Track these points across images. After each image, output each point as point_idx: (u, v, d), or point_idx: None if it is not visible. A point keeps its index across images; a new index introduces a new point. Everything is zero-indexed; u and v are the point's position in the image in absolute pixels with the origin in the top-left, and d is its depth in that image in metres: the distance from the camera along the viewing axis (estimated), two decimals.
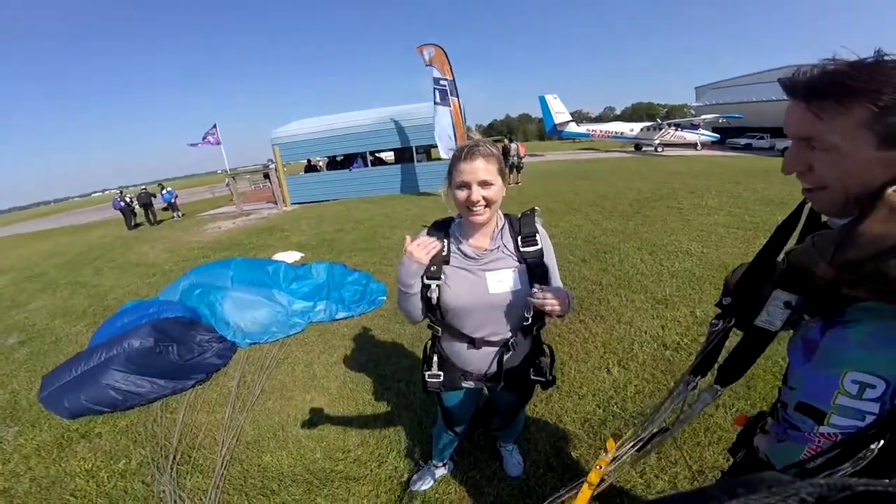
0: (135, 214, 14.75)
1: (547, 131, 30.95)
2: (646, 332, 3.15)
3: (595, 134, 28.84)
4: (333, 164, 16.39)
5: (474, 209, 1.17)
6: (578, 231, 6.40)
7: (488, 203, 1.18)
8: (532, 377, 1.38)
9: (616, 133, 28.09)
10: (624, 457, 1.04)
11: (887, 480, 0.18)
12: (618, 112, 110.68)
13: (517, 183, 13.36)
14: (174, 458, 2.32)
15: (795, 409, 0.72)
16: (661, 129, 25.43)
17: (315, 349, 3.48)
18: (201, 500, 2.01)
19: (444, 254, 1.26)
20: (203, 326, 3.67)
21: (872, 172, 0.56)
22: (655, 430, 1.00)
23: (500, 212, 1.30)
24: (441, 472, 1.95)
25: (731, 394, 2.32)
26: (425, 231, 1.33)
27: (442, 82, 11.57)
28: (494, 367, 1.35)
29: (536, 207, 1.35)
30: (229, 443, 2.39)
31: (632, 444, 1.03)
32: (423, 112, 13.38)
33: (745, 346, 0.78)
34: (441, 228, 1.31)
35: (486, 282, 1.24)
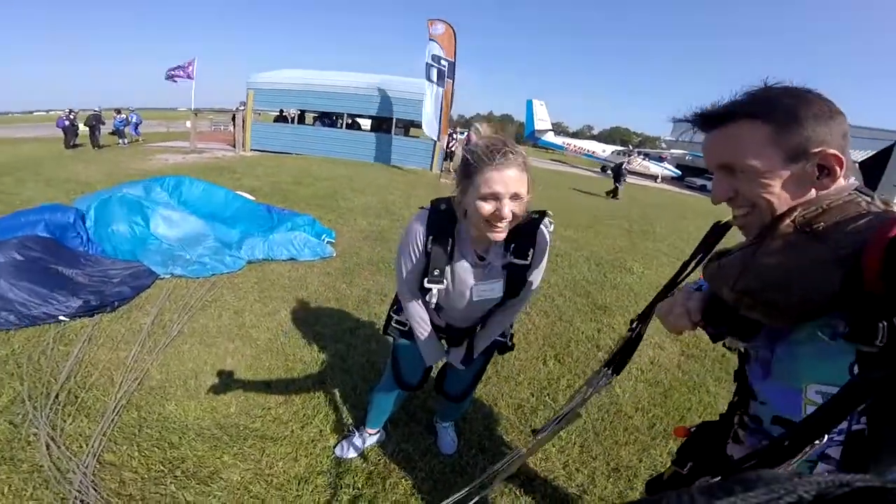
0: (76, 135, 13.61)
1: (525, 135, 31.25)
2: (583, 333, 3.27)
3: (569, 148, 29.66)
4: (303, 119, 15.58)
5: (499, 225, 1.01)
6: None
7: (514, 218, 1.02)
8: (497, 337, 1.43)
9: (588, 151, 29.01)
10: (546, 432, 1.12)
11: (888, 477, 0.18)
12: (595, 132, 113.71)
13: None
14: (56, 396, 2.00)
15: (772, 422, 0.72)
16: (629, 156, 26.61)
17: (249, 297, 3.22)
18: (80, 446, 1.74)
19: (448, 251, 1.14)
20: (106, 259, 3.34)
21: (788, 188, 0.62)
22: (568, 411, 1.08)
23: None
24: (372, 440, 1.86)
25: (649, 400, 2.47)
26: (425, 222, 1.15)
27: (442, 62, 11.36)
28: (463, 334, 1.42)
29: (549, 212, 1.18)
30: (128, 386, 2.11)
31: (553, 422, 1.11)
32: (412, 87, 13.03)
33: (628, 344, 0.97)
34: (445, 227, 1.14)
35: (474, 290, 1.21)
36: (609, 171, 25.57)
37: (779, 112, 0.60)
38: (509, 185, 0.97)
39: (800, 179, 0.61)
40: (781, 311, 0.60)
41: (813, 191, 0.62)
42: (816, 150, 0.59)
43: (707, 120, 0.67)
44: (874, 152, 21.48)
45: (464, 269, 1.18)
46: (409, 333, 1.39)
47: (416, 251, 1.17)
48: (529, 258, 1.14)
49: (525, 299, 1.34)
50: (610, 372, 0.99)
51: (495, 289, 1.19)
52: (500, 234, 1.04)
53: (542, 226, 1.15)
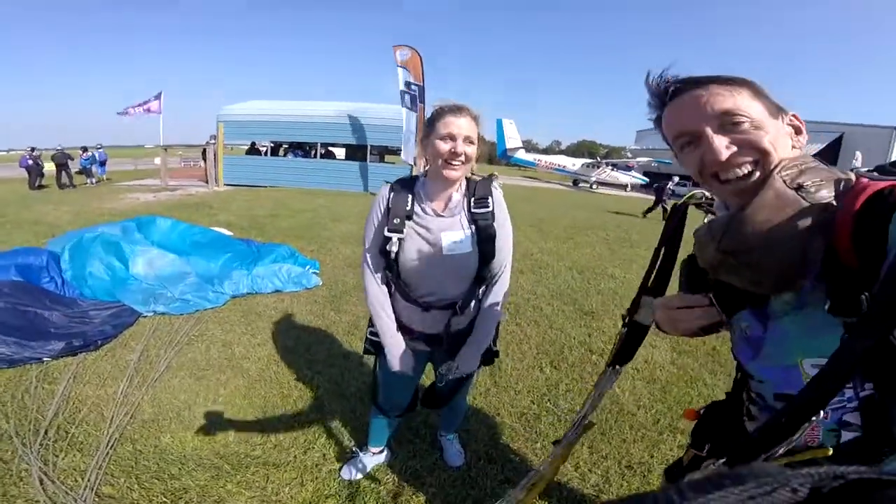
0: (42, 175, 13.01)
1: (498, 154, 31.85)
2: (574, 339, 3.34)
3: (540, 164, 30.28)
4: (276, 151, 15.52)
5: (453, 163, 1.18)
6: (518, 247, 6.54)
7: (466, 160, 1.19)
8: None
9: (559, 166, 29.71)
10: (565, 441, 1.11)
11: (884, 469, 0.18)
12: (563, 147, 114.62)
13: None
14: (45, 433, 1.92)
15: (775, 399, 0.71)
16: (598, 168, 27.28)
17: (236, 329, 3.15)
18: (76, 481, 1.67)
19: (407, 209, 1.26)
20: (81, 301, 3.24)
21: (780, 139, 0.64)
22: (581, 416, 1.09)
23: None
24: (377, 459, 1.83)
25: (650, 396, 2.53)
26: (388, 186, 1.31)
27: (413, 87, 11.59)
28: (442, 329, 1.36)
29: (495, 174, 1.38)
30: (120, 420, 2.04)
31: (574, 427, 1.11)
32: (387, 113, 13.23)
33: (630, 337, 1.02)
34: (406, 185, 1.30)
35: (441, 242, 1.25)
36: (588, 185, 26.18)
37: (749, 83, 0.65)
38: (463, 128, 1.17)
39: (785, 132, 0.65)
40: (764, 274, 0.59)
41: (793, 148, 0.66)
42: (787, 111, 0.65)
43: (708, 79, 0.66)
44: (821, 146, 22.89)
45: (428, 219, 1.26)
46: None
47: (379, 210, 1.29)
48: (491, 206, 1.28)
49: (501, 273, 1.34)
50: (617, 368, 1.03)
51: (464, 241, 1.25)
52: (454, 172, 1.19)
53: (492, 186, 1.33)
